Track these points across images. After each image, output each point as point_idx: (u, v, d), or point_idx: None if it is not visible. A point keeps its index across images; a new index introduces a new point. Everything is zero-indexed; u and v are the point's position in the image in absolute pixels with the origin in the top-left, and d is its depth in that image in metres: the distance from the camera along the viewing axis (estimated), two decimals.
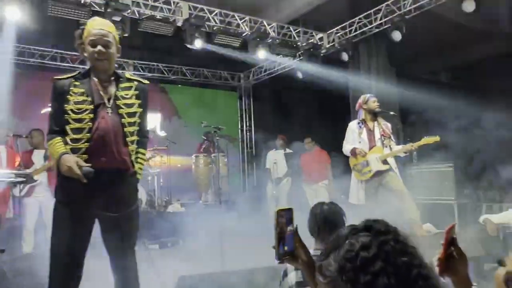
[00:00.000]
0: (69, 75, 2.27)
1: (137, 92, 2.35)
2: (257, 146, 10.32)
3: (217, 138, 4.19)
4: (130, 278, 2.21)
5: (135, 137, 2.30)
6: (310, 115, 7.71)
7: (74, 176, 2.04)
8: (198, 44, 6.59)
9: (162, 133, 9.61)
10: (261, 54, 7.36)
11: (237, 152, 10.51)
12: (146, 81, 2.47)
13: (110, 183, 2.17)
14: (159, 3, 6.51)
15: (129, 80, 2.36)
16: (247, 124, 11.01)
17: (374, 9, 7.23)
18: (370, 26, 7.40)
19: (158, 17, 6.53)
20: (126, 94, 2.30)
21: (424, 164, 5.71)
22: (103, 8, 5.97)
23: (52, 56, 8.27)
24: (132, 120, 2.28)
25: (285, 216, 1.24)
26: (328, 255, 0.88)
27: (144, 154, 2.39)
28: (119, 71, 2.40)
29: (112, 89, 2.28)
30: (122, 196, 2.21)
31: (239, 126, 10.98)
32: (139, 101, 2.34)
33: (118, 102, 2.26)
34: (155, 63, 9.42)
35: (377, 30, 7.38)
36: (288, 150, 7.57)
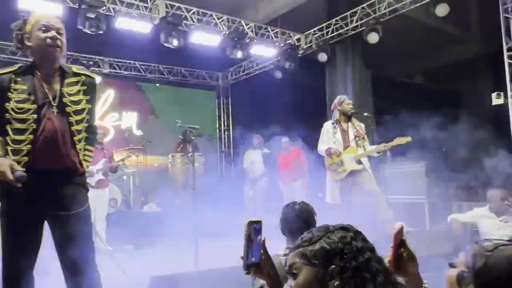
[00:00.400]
0: (9, 70, 2.09)
1: (84, 87, 2.20)
2: (235, 146, 10.32)
3: (193, 137, 4.15)
4: (85, 284, 2.08)
5: (83, 135, 2.18)
6: (288, 115, 7.76)
7: (7, 180, 1.90)
8: (175, 42, 6.54)
9: (138, 132, 9.49)
10: (239, 54, 7.36)
11: (215, 151, 10.47)
12: (95, 75, 2.33)
13: (58, 185, 2.07)
14: (135, 1, 6.43)
15: (76, 74, 2.20)
16: (225, 124, 10.99)
17: (351, 12, 7.35)
18: (346, 28, 7.52)
19: (134, 14, 6.44)
20: (72, 90, 2.15)
21: (397, 164, 5.84)
22: (77, 4, 5.85)
23: None
24: (79, 117, 2.16)
25: (254, 228, 1.26)
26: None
27: (91, 151, 2.27)
28: (65, 65, 2.22)
29: (57, 85, 2.13)
30: (71, 197, 2.10)
31: (217, 126, 10.95)
32: (87, 97, 2.19)
33: (64, 99, 2.11)
34: (131, 61, 9.28)
35: (353, 32, 7.50)
36: (265, 150, 7.59)
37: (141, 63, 9.43)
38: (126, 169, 7.63)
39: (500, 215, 4.06)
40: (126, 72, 9.29)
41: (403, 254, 1.28)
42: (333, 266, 1.00)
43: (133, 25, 6.44)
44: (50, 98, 2.09)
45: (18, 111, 2.02)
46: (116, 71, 9.11)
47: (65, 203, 2.08)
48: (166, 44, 6.61)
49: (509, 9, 5.36)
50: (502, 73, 5.48)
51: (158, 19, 6.57)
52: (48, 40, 2.06)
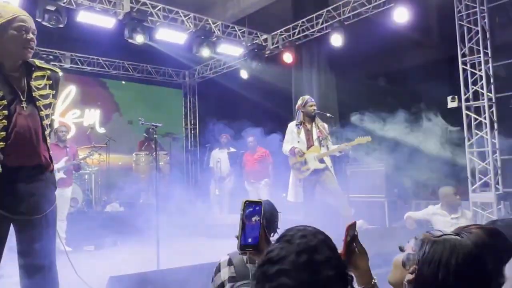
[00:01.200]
0: None
1: (50, 81, 2.16)
2: (201, 145, 10.25)
3: (155, 136, 4.09)
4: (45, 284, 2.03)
5: (48, 129, 2.15)
6: (255, 115, 7.79)
7: None
8: (139, 39, 6.41)
9: (101, 130, 9.24)
10: (205, 52, 7.32)
11: (181, 150, 10.36)
12: (58, 70, 2.28)
13: (31, 182, 2.03)
14: None
15: (41, 68, 2.15)
16: (192, 122, 10.90)
17: (316, 14, 7.47)
18: (312, 30, 7.64)
19: (97, 9, 6.26)
20: (40, 84, 2.10)
21: (358, 164, 6.00)
22: None
23: None
24: (48, 112, 2.12)
25: (253, 208, 1.24)
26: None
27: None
28: (29, 60, 2.14)
29: (23, 79, 2.07)
30: (42, 197, 2.06)
31: (183, 124, 10.84)
32: (52, 91, 2.16)
33: (34, 93, 2.07)
34: (94, 57, 9.01)
35: (318, 34, 7.64)
36: (231, 149, 7.60)
37: (104, 59, 9.18)
38: (88, 167, 7.42)
39: (451, 213, 4.27)
40: (88, 68, 9.01)
41: (354, 249, 1.33)
42: None
43: (96, 19, 6.25)
44: (19, 92, 2.02)
45: None
46: (78, 66, 8.82)
47: (36, 205, 2.03)
48: (130, 40, 6.47)
49: (464, 17, 5.63)
50: (458, 77, 5.76)
51: (122, 14, 6.41)
52: (27, 44, 2.00)
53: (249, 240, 1.23)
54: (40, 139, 2.08)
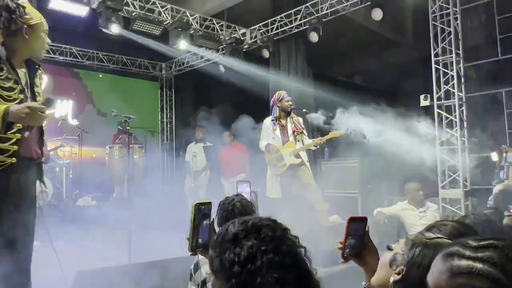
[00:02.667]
0: None
1: (41, 80, 2.30)
2: (177, 138, 10.14)
3: (128, 128, 4.01)
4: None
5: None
6: (232, 109, 7.75)
7: (41, 110, 1.91)
8: (114, 29, 6.25)
9: (73, 122, 9.00)
10: (182, 45, 7.21)
11: (157, 144, 10.21)
12: (41, 70, 2.37)
13: (34, 175, 2.16)
14: None
15: (36, 65, 2.27)
16: (168, 116, 10.75)
17: (295, 10, 7.49)
18: (290, 26, 7.65)
19: None
20: (39, 82, 2.24)
21: (333, 160, 6.07)
22: None
23: None
24: None
25: (202, 210, 1.26)
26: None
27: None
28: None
29: (26, 77, 2.16)
30: (34, 192, 2.22)
31: (159, 118, 10.69)
32: (41, 90, 2.28)
33: (36, 89, 2.18)
34: (67, 46, 8.74)
35: (296, 30, 7.66)
36: (207, 143, 7.55)
37: (78, 48, 8.92)
38: (59, 160, 7.21)
39: (418, 207, 4.40)
40: (61, 58, 8.73)
41: (366, 244, 1.34)
42: None
43: (68, 7, 6.06)
44: (26, 88, 2.13)
45: (8, 98, 2.00)
46: (50, 56, 8.53)
47: (31, 197, 2.16)
48: (104, 30, 6.30)
49: (437, 17, 5.76)
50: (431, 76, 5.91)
51: (97, 2, 6.24)
52: (47, 46, 2.20)
53: (200, 241, 1.26)
54: (38, 134, 2.20)
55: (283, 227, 0.99)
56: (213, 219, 1.30)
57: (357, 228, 1.33)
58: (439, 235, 1.12)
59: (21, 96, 2.05)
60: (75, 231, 5.51)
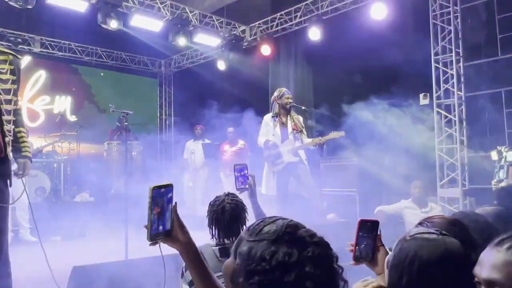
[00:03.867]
0: None
1: (12, 67, 2.12)
2: (176, 136, 10.12)
3: (126, 124, 3.99)
4: None
5: (11, 117, 2.09)
6: (231, 106, 7.73)
7: None
8: (113, 24, 6.22)
9: (72, 118, 8.97)
10: (182, 42, 7.19)
11: (155, 141, 10.19)
12: (20, 56, 2.25)
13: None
14: None
15: (3, 53, 2.13)
16: (167, 113, 10.73)
17: (295, 7, 7.46)
18: (290, 23, 7.63)
19: None
20: (3, 68, 2.08)
21: (332, 158, 6.06)
22: None
23: None
24: (8, 97, 2.08)
25: (163, 194, 1.11)
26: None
27: (24, 132, 2.22)
28: None
29: None
30: None
31: (158, 114, 10.66)
32: (13, 77, 2.12)
33: None
34: (66, 42, 8.70)
35: (297, 27, 7.63)
36: (206, 140, 7.52)
37: (77, 44, 8.88)
38: (56, 156, 7.19)
39: (421, 206, 4.39)
40: (60, 53, 8.69)
41: (379, 247, 1.35)
42: None
43: (67, 2, 6.02)
44: None
45: None
46: (48, 51, 8.50)
47: None
48: (104, 26, 6.27)
49: (438, 16, 5.75)
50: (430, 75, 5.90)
51: None
52: None
53: (160, 228, 1.12)
54: None
55: (332, 253, 0.98)
56: (176, 203, 1.15)
57: (367, 231, 1.33)
58: (422, 231, 1.09)
59: None
60: (73, 227, 5.50)
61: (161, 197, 1.10)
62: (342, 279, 0.97)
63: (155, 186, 1.09)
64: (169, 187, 1.13)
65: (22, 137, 2.17)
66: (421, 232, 1.08)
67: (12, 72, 2.11)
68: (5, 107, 2.05)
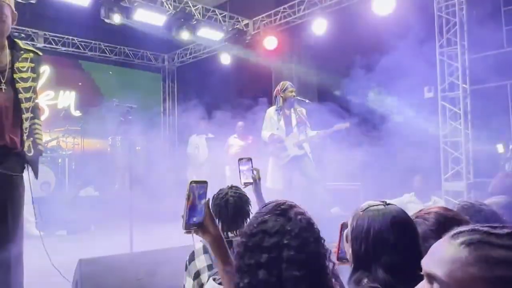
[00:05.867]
0: None
1: (32, 64, 2.14)
2: (179, 130, 10.13)
3: (130, 118, 4.00)
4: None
5: (29, 114, 2.12)
6: (234, 100, 7.73)
7: None
8: (116, 19, 6.22)
9: (76, 113, 9.00)
10: (185, 36, 7.16)
11: (159, 135, 10.21)
12: (40, 53, 2.26)
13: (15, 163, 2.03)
14: None
15: (25, 50, 2.14)
16: (170, 107, 10.73)
17: (298, 0, 7.42)
18: (294, 17, 7.59)
19: None
20: (23, 67, 2.08)
21: (336, 151, 6.04)
22: None
23: None
24: (28, 95, 2.10)
25: (198, 188, 1.24)
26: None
27: (40, 125, 2.25)
28: (15, 39, 2.15)
29: (5, 59, 2.04)
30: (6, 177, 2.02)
31: (162, 109, 10.66)
32: (34, 75, 2.14)
33: (15, 75, 2.04)
34: (69, 37, 8.70)
35: (300, 21, 7.59)
36: (210, 135, 7.53)
37: (80, 39, 8.88)
38: (61, 151, 7.23)
39: (424, 201, 4.38)
40: (63, 48, 8.70)
41: None
42: None
43: None
44: (2, 72, 2.01)
45: None
46: (52, 46, 8.51)
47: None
48: (107, 20, 6.27)
49: (442, 8, 5.69)
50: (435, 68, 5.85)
51: None
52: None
53: (194, 219, 1.25)
54: (11, 121, 2.04)
55: (315, 233, 1.09)
56: (209, 198, 1.30)
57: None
58: (372, 204, 1.21)
59: None
60: (78, 222, 5.54)
61: (197, 191, 1.24)
62: (329, 260, 1.07)
63: (193, 181, 1.24)
64: (204, 184, 1.27)
65: (36, 129, 2.18)
66: (371, 205, 1.21)
67: (33, 70, 2.13)
68: (25, 105, 2.08)
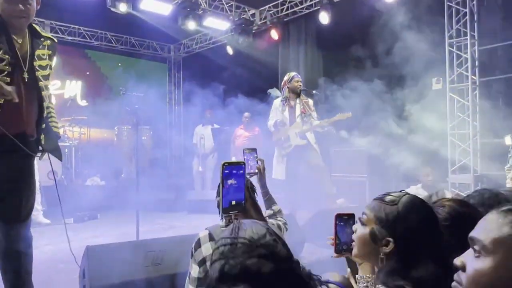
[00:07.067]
0: None
1: (50, 52, 2.12)
2: (185, 120, 10.14)
3: (136, 106, 4.00)
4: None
5: (46, 102, 2.12)
6: (240, 91, 7.70)
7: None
8: (122, 8, 6.19)
9: (82, 102, 9.03)
10: (191, 25, 7.12)
11: (165, 125, 10.23)
12: (56, 40, 2.23)
13: (15, 151, 1.99)
14: None
15: (44, 38, 2.11)
16: (176, 97, 10.73)
17: None
18: (301, 7, 7.51)
19: None
20: (43, 54, 2.07)
21: (342, 144, 6.02)
22: None
23: None
24: (47, 83, 2.09)
25: (234, 170, 1.18)
26: None
27: (53, 108, 2.24)
28: (34, 25, 2.10)
29: (26, 46, 2.01)
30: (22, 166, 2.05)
31: (168, 99, 10.67)
32: (51, 62, 2.12)
33: (35, 63, 2.02)
34: (76, 26, 8.70)
35: (307, 11, 7.51)
36: (215, 125, 7.52)
37: (86, 29, 8.87)
38: (68, 140, 7.27)
39: (430, 193, 4.35)
40: (69, 38, 8.70)
41: None
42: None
43: None
44: (21, 60, 1.97)
45: None
46: (58, 35, 8.50)
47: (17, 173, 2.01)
48: (113, 9, 6.24)
49: None
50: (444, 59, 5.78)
51: None
52: (16, 13, 1.94)
53: (233, 202, 1.19)
54: (33, 110, 2.05)
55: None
56: (249, 181, 1.28)
57: (345, 224, 1.34)
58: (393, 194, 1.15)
59: (8, 68, 1.90)
60: (84, 210, 5.59)
61: (232, 173, 1.17)
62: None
63: (226, 163, 1.17)
64: (240, 165, 1.20)
65: (50, 112, 2.17)
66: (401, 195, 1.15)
67: (50, 58, 2.12)
68: (45, 92, 2.07)
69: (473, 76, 5.48)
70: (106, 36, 9.22)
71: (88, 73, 9.33)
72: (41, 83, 2.04)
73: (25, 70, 1.98)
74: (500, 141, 5.26)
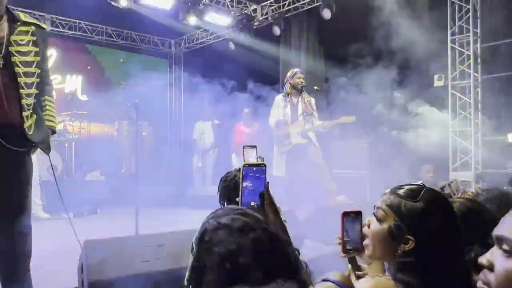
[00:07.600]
0: None
1: (34, 38, 2.06)
2: (185, 116, 10.11)
3: (136, 101, 3.98)
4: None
5: (33, 90, 2.05)
6: (241, 87, 7.68)
7: None
8: (123, 2, 6.16)
9: (83, 97, 9.00)
10: (192, 20, 7.09)
11: (165, 121, 10.21)
12: (45, 25, 2.20)
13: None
14: None
15: (25, 23, 2.05)
16: (177, 93, 10.70)
17: None
18: (302, 2, 7.47)
19: None
20: (22, 40, 2.01)
21: (343, 141, 6.01)
22: None
23: None
24: (28, 70, 2.02)
25: (255, 171, 1.18)
26: None
27: (52, 101, 2.19)
28: (14, 12, 2.05)
29: (3, 33, 1.97)
30: (8, 156, 1.99)
31: (168, 94, 10.63)
32: (36, 49, 2.06)
33: (11, 48, 1.96)
34: (76, 20, 8.65)
35: (309, 7, 7.47)
36: (215, 121, 7.50)
37: (87, 23, 8.82)
38: (68, 135, 7.25)
39: None
40: (70, 32, 8.66)
41: (365, 236, 1.31)
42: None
43: None
44: None
45: None
46: (58, 29, 8.47)
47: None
48: (113, 3, 6.22)
49: None
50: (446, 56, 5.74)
51: None
52: None
53: (252, 203, 1.18)
54: (11, 97, 1.98)
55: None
56: (268, 182, 1.21)
57: (352, 222, 1.28)
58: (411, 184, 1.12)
59: None
60: (84, 205, 5.58)
61: (253, 174, 1.17)
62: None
63: (247, 164, 1.17)
64: (261, 166, 1.19)
65: (46, 105, 2.13)
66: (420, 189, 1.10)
67: (35, 44, 2.05)
68: (25, 80, 2.00)
69: (475, 73, 5.44)
70: (106, 31, 9.18)
71: (88, 67, 9.30)
72: (18, 69, 1.99)
73: (1, 55, 1.94)
74: (502, 138, 5.25)
